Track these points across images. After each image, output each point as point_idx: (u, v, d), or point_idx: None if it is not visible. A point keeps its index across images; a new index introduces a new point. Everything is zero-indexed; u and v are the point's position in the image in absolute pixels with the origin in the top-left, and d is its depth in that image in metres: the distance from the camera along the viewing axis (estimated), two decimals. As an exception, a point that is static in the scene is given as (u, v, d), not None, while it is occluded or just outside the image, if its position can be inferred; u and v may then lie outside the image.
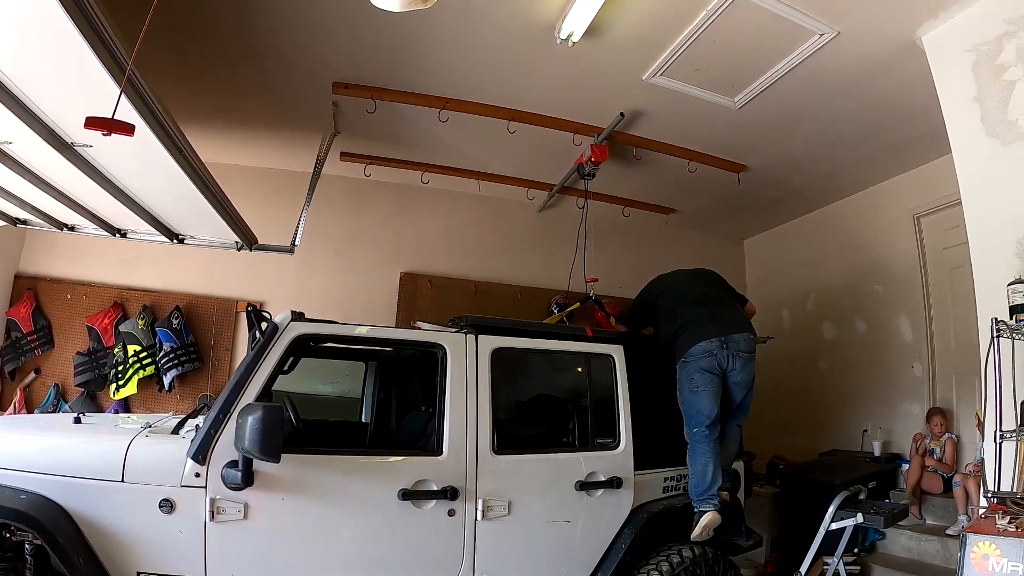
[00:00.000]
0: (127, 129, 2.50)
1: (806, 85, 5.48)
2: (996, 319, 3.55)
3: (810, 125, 6.28)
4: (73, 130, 3.10)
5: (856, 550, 5.86)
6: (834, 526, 4.21)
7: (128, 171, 3.75)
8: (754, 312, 5.15)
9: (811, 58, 5.05)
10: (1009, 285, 3.72)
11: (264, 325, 3.82)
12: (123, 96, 2.51)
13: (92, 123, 2.43)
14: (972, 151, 4.38)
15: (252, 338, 4.13)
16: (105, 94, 2.52)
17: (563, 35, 4.77)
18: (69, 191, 4.18)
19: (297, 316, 3.80)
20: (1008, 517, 2.82)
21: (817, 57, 5.04)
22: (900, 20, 4.65)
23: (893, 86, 5.44)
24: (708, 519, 4.26)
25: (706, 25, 4.69)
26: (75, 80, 2.68)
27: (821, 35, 4.78)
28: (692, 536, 4.31)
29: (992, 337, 3.53)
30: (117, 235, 5.20)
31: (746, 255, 10.30)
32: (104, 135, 2.46)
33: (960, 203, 4.49)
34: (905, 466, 6.59)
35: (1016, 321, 3.57)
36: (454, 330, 4.24)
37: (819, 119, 6.14)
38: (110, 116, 2.45)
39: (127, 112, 2.69)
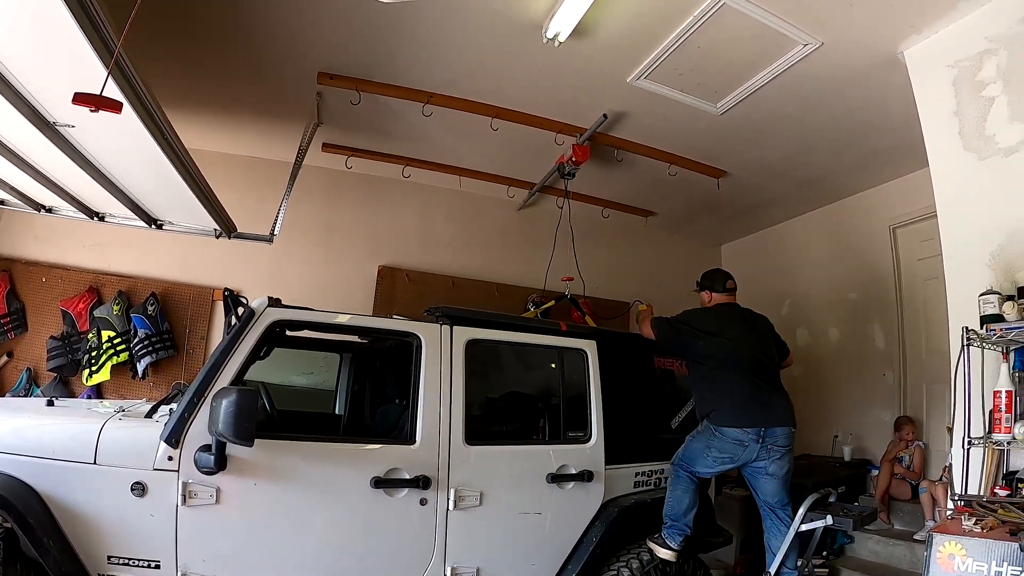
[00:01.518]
0: (115, 106, 2.50)
1: (788, 94, 5.56)
2: (967, 328, 3.67)
3: (791, 134, 6.36)
4: (56, 109, 3.09)
5: (825, 553, 5.94)
6: (804, 527, 4.25)
7: (109, 153, 3.74)
8: (791, 363, 5.01)
9: (794, 67, 5.12)
10: (980, 295, 3.80)
11: (241, 310, 3.82)
12: (110, 78, 2.51)
13: (80, 99, 2.42)
14: (949, 164, 4.48)
15: (228, 323, 4.13)
16: (91, 74, 2.52)
17: (550, 34, 4.79)
18: (49, 172, 4.15)
19: (274, 302, 3.81)
20: (974, 519, 2.87)
21: (800, 67, 5.11)
22: (883, 34, 4.73)
23: (874, 98, 5.53)
24: (664, 555, 4.29)
25: (692, 30, 4.73)
26: (61, 59, 2.67)
27: (805, 45, 4.85)
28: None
29: (962, 345, 3.66)
30: (95, 218, 5.17)
31: (723, 260, 10.34)
32: (92, 111, 2.46)
33: (935, 215, 4.58)
34: (875, 472, 6.68)
35: (986, 331, 3.65)
36: (429, 320, 4.26)
37: (800, 128, 6.23)
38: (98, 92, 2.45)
39: (112, 94, 2.68)
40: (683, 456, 4.47)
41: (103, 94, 2.47)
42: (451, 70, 5.60)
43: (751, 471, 4.42)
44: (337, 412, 5.69)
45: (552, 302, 7.07)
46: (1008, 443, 3.48)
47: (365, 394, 5.61)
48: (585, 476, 4.30)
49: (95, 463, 3.26)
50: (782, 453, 4.31)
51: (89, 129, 3.29)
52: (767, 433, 4.26)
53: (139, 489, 3.27)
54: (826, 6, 4.47)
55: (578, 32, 4.77)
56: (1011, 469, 3.66)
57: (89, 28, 2.39)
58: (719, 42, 4.88)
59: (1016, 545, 2.57)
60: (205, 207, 4.65)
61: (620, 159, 6.93)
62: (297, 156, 5.96)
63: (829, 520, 4.20)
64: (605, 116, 6.08)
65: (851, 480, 6.71)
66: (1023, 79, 4.06)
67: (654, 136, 6.64)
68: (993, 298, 3.73)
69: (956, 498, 3.36)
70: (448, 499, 3.88)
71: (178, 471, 3.34)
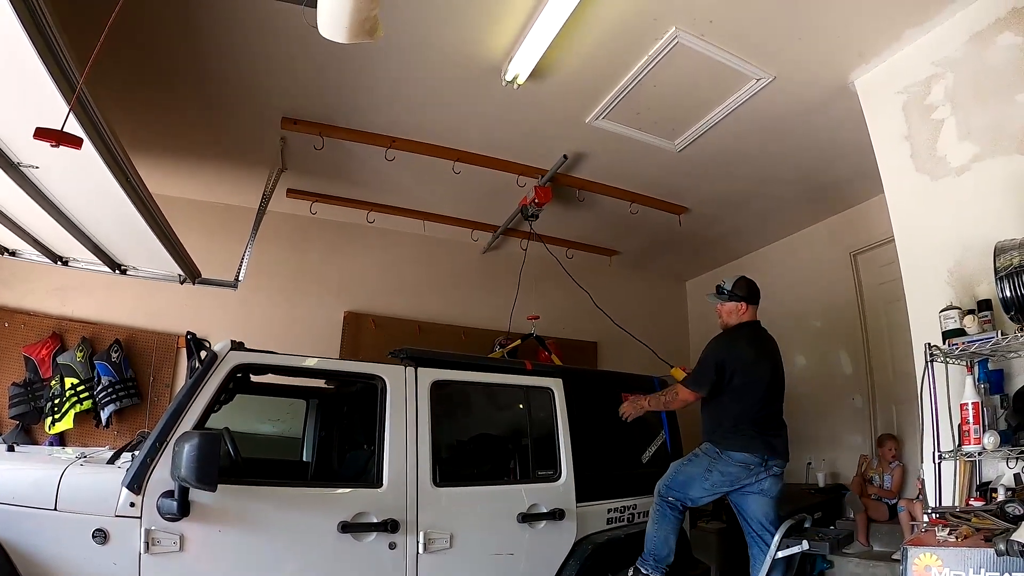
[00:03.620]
0: (75, 142, 2.50)
1: (744, 128, 5.67)
2: (929, 344, 3.76)
3: (748, 167, 6.49)
4: (20, 149, 3.08)
5: (805, 580, 5.93)
6: (780, 554, 4.25)
7: (73, 195, 3.72)
8: None
9: (748, 102, 5.25)
10: (941, 312, 3.89)
11: (203, 354, 3.79)
12: (72, 116, 2.52)
13: (41, 134, 2.43)
14: (903, 187, 4.60)
15: (191, 367, 4.09)
16: (55, 114, 2.51)
17: (508, 77, 4.87)
18: (12, 213, 4.10)
19: (237, 345, 3.78)
20: (948, 529, 2.89)
21: (754, 101, 5.24)
22: (833, 65, 4.87)
23: (827, 128, 5.67)
24: None
25: (647, 70, 4.84)
26: (26, 99, 2.68)
27: (758, 80, 4.97)
28: None
29: (926, 362, 3.74)
30: (59, 262, 5.10)
31: (688, 296, 10.51)
32: (52, 146, 2.45)
33: (893, 240, 4.67)
34: (850, 495, 6.70)
35: (949, 345, 3.73)
36: (394, 362, 4.25)
37: (757, 161, 6.35)
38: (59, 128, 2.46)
39: (74, 131, 2.67)
40: (673, 482, 4.45)
41: (64, 129, 2.47)
42: (412, 114, 5.65)
43: (742, 493, 4.45)
44: (304, 459, 5.61)
45: (518, 341, 7.08)
46: (979, 454, 3.53)
47: (333, 440, 5.53)
48: (556, 514, 4.29)
49: (56, 509, 3.17)
50: (776, 478, 4.44)
51: (53, 171, 3.28)
52: (769, 460, 4.37)
53: (101, 536, 3.18)
54: (776, 41, 4.60)
55: (536, 74, 4.86)
56: (984, 480, 3.71)
57: (54, 66, 2.41)
58: (674, 80, 4.99)
59: (991, 551, 2.58)
60: (169, 252, 4.61)
61: (582, 199, 7.01)
62: (261, 202, 5.95)
63: (805, 545, 4.21)
64: (565, 157, 6.15)
65: (827, 505, 6.69)
66: (970, 99, 4.19)
67: (614, 175, 6.73)
68: (954, 313, 3.82)
69: (930, 511, 3.39)
70: (418, 542, 3.83)
71: (141, 518, 3.26)
